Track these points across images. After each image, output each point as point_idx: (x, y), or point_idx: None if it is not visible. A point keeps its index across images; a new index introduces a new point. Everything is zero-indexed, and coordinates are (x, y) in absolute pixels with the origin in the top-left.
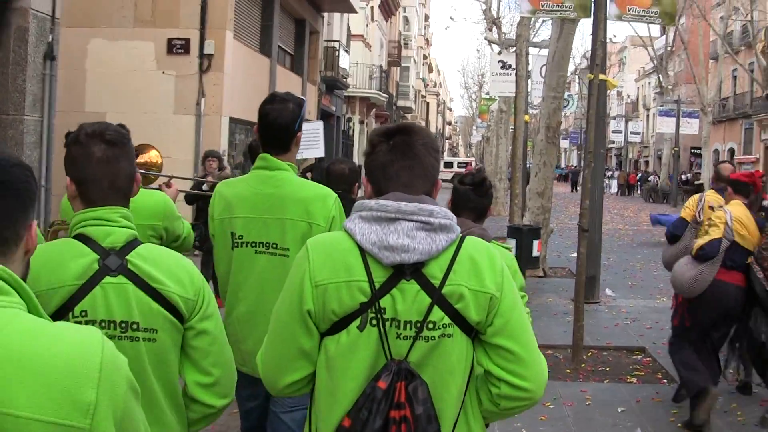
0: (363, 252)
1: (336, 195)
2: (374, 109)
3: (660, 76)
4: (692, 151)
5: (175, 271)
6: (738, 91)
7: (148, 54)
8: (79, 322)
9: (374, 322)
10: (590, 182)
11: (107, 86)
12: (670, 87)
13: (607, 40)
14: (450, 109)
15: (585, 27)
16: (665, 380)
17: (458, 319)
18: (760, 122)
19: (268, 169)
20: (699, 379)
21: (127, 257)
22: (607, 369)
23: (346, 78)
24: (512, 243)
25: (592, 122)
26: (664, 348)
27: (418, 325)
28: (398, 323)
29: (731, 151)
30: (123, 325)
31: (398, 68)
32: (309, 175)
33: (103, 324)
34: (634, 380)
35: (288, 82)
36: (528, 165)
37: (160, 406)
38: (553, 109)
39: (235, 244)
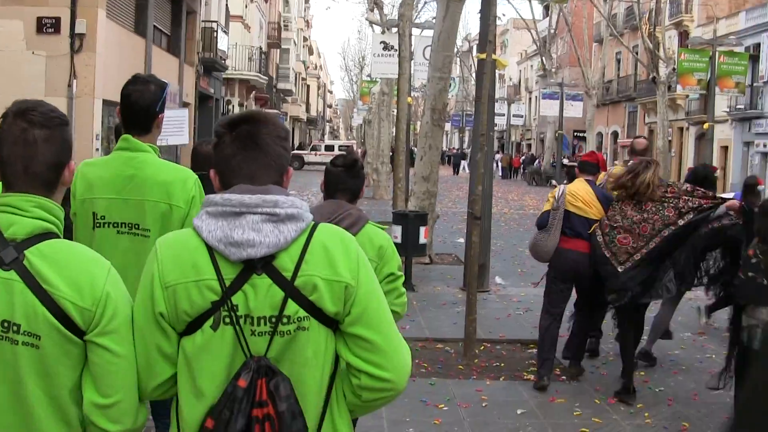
0: (211, 249)
1: (196, 177)
2: (254, 92)
3: (543, 58)
4: (575, 134)
5: (75, 275)
6: (622, 74)
7: (16, 33)
8: None
9: (227, 320)
10: (482, 167)
11: None
12: (553, 70)
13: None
14: (331, 92)
15: (467, 7)
16: (564, 377)
17: (314, 311)
18: (644, 105)
19: (129, 150)
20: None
21: (26, 252)
22: (502, 365)
23: (224, 60)
24: (398, 230)
25: (485, 102)
26: (561, 340)
27: (273, 320)
28: (252, 320)
29: (615, 134)
30: (5, 324)
31: (278, 50)
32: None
33: None
34: (531, 377)
35: (164, 63)
36: (411, 148)
37: (38, 420)
38: (438, 90)
39: (97, 225)
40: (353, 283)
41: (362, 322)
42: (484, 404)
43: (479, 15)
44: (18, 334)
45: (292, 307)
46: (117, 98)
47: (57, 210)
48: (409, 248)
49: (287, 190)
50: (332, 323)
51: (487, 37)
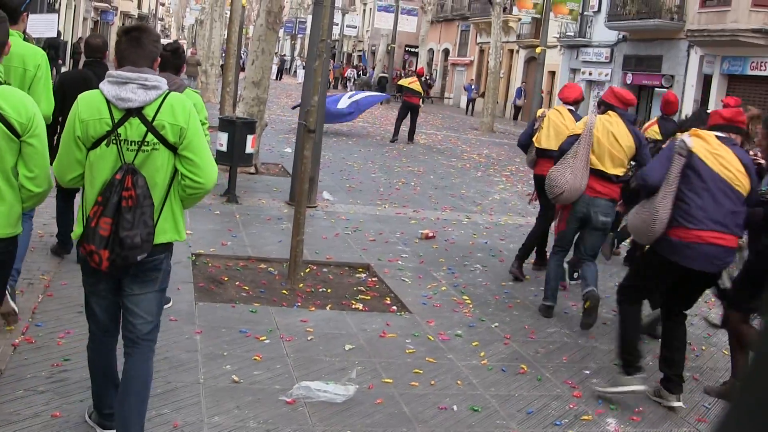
0: (108, 102)
1: (44, 53)
2: None
3: None
4: (407, 48)
5: (15, 103)
6: None
7: None
8: None
9: (114, 141)
10: (319, 75)
11: None
12: None
13: None
14: None
15: None
16: (395, 306)
17: (162, 140)
18: (477, 25)
19: None
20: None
21: None
22: (329, 290)
23: None
24: (224, 137)
25: (328, 6)
26: (391, 265)
27: (139, 143)
28: (128, 142)
29: (446, 52)
30: None
31: None
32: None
33: None
34: (360, 306)
35: None
36: (243, 52)
37: None
38: None
39: None
40: (186, 126)
41: (189, 149)
42: (309, 338)
43: None
44: None
45: (149, 137)
46: None
47: (1, 68)
48: (235, 157)
49: (157, 71)
50: (173, 148)
51: None
